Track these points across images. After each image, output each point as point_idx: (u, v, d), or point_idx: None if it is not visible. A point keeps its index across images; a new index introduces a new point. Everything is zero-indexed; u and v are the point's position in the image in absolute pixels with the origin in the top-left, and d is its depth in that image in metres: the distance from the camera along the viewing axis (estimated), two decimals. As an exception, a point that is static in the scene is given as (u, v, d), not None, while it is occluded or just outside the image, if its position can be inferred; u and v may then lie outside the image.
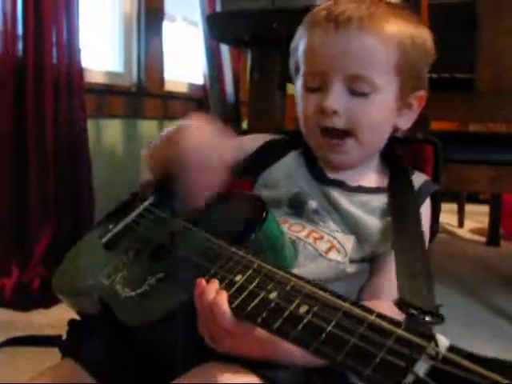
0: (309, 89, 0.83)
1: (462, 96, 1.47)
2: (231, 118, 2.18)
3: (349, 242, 0.78)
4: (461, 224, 3.32)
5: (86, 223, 1.99)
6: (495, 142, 1.66)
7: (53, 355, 0.79)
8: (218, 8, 1.89)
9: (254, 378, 0.60)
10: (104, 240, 0.80)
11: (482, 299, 2.00)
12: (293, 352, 0.60)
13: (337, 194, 0.81)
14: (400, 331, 0.42)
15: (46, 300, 1.69)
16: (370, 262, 0.79)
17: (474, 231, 3.21)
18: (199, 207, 0.72)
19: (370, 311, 0.45)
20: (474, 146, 1.59)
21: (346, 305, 0.46)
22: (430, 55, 0.84)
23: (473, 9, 1.36)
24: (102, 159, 2.23)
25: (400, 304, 0.53)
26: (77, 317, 0.81)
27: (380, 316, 0.44)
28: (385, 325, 0.43)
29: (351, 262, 0.77)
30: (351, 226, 0.79)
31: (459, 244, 2.95)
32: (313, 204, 0.81)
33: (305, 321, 0.46)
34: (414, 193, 0.81)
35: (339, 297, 0.48)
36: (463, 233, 3.20)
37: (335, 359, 0.42)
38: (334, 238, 0.78)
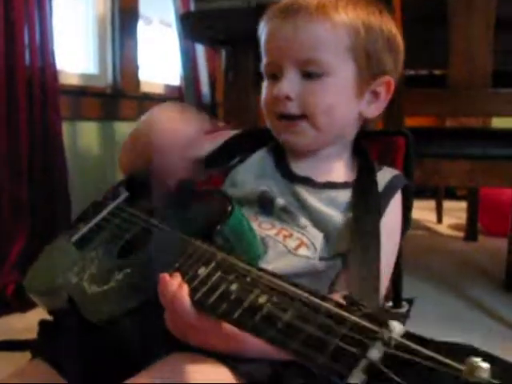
0: (268, 79, 0.86)
1: (435, 91, 1.49)
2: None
3: (318, 237, 0.78)
4: (439, 220, 3.35)
5: (62, 227, 1.96)
6: (470, 137, 1.67)
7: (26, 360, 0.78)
8: (192, 7, 1.88)
9: (221, 367, 0.60)
10: (74, 239, 0.80)
11: (460, 293, 2.01)
12: (256, 344, 0.60)
13: (304, 192, 0.82)
14: (355, 318, 0.42)
15: (22, 305, 1.67)
16: (342, 259, 0.79)
17: (452, 227, 3.25)
18: (170, 195, 0.74)
19: (328, 299, 0.45)
20: (450, 141, 1.61)
21: (304, 294, 0.47)
22: (392, 42, 0.85)
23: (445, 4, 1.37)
24: (77, 162, 2.20)
25: (347, 300, 0.53)
26: (49, 317, 0.80)
27: (338, 304, 0.44)
28: (341, 312, 0.43)
29: (321, 259, 0.77)
30: (319, 223, 0.79)
31: (438, 240, 2.98)
32: (280, 202, 0.81)
33: (263, 311, 0.47)
34: (377, 190, 0.81)
35: (298, 286, 0.48)
36: (442, 229, 3.24)
37: (290, 347, 0.42)
38: (303, 234, 0.78)
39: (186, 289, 0.55)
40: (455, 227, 3.21)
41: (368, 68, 0.83)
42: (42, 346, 0.75)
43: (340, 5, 0.81)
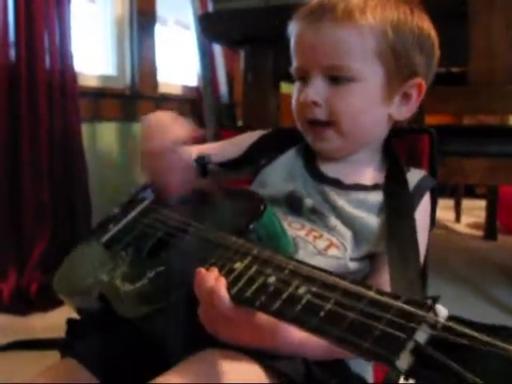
0: (298, 81, 0.84)
1: (455, 89, 1.48)
2: (226, 118, 2.18)
3: (347, 237, 0.78)
4: (458, 219, 3.33)
5: (82, 226, 1.98)
6: (490, 134, 1.66)
7: (54, 358, 0.78)
8: (210, 8, 1.89)
9: (254, 366, 0.60)
10: (104, 239, 0.81)
11: (480, 292, 2.00)
12: (292, 340, 0.60)
13: (333, 193, 0.81)
14: (399, 303, 0.41)
15: (44, 304, 1.69)
16: (371, 260, 0.79)
17: (471, 226, 3.22)
18: (200, 194, 0.74)
19: (369, 287, 0.45)
20: (470, 139, 1.60)
21: (345, 283, 0.46)
22: (423, 41, 0.82)
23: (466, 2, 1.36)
24: (97, 163, 2.22)
25: None
26: (75, 316, 0.81)
27: (379, 292, 0.44)
28: (384, 299, 0.43)
29: (351, 259, 0.77)
30: (348, 224, 0.78)
31: (457, 239, 2.96)
32: (308, 202, 0.80)
33: (303, 301, 0.46)
34: (409, 192, 0.80)
35: (338, 276, 0.48)
36: (460, 228, 3.21)
37: (334, 335, 0.42)
38: (333, 235, 0.78)
39: (223, 282, 0.55)
40: (474, 226, 3.18)
41: (398, 70, 0.80)
42: (72, 344, 0.75)
43: (368, 7, 0.78)
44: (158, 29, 2.75)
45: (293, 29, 0.84)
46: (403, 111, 0.84)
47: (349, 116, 0.80)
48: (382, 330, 0.40)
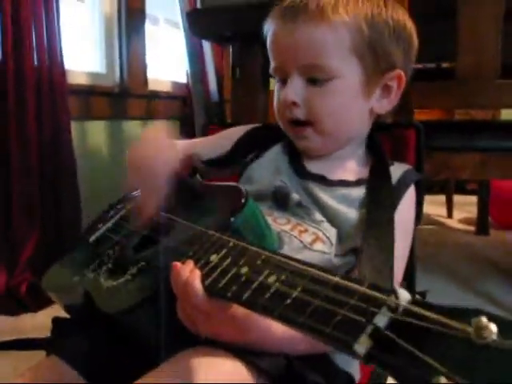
0: (278, 82, 0.84)
1: (444, 84, 1.47)
2: (215, 116, 2.17)
3: (333, 232, 0.77)
4: (450, 215, 3.34)
5: (72, 225, 1.98)
6: (480, 129, 1.66)
7: (41, 358, 0.78)
8: (198, 4, 1.88)
9: (236, 362, 0.59)
10: (92, 238, 0.81)
11: (471, 287, 2.01)
12: (270, 333, 0.60)
13: (317, 189, 0.81)
14: (363, 289, 0.41)
15: (34, 304, 1.68)
16: (355, 255, 0.78)
17: (463, 221, 3.23)
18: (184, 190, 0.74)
19: (336, 274, 0.45)
20: (460, 134, 1.60)
21: (313, 270, 0.46)
22: (400, 32, 0.81)
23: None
24: (86, 161, 2.21)
25: None
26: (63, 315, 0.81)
27: (344, 277, 0.44)
28: (348, 284, 0.43)
29: (336, 255, 0.76)
30: (332, 219, 0.78)
31: (449, 234, 2.97)
32: (295, 197, 0.80)
33: (272, 289, 0.47)
34: (391, 185, 0.80)
35: (307, 264, 0.48)
36: (453, 223, 3.22)
37: (297, 322, 0.42)
38: (319, 229, 0.78)
39: (198, 274, 0.55)
40: (466, 221, 3.19)
41: (375, 64, 0.80)
42: (57, 342, 0.75)
43: (340, 3, 0.77)
44: (149, 27, 2.74)
45: (268, 29, 0.83)
46: (384, 104, 0.84)
47: (328, 116, 0.80)
48: (343, 315, 0.40)
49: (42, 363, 0.73)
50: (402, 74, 0.82)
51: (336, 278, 0.44)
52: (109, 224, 0.83)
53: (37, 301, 1.67)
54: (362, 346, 0.37)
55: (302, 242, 0.75)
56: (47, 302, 1.60)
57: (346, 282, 0.43)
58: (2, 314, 1.68)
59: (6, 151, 1.82)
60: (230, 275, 0.52)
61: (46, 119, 1.93)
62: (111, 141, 2.46)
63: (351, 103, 0.81)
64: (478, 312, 0.35)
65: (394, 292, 0.39)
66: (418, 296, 0.89)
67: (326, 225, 0.78)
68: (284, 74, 0.81)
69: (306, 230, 0.77)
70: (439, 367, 0.33)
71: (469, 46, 1.38)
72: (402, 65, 0.83)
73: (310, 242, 0.75)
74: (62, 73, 1.98)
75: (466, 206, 3.44)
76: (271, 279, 0.48)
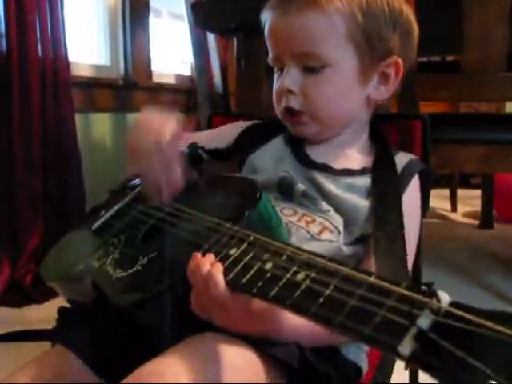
0: (276, 72, 0.84)
1: (449, 77, 1.47)
2: (220, 108, 2.17)
3: (340, 221, 0.77)
4: (454, 208, 3.33)
5: (76, 217, 1.98)
6: (485, 122, 1.65)
7: (47, 349, 0.78)
8: (203, -4, 1.87)
9: (247, 350, 0.59)
10: (95, 226, 0.79)
11: (476, 281, 2.01)
12: (287, 326, 0.60)
13: (321, 178, 0.81)
14: (400, 289, 0.41)
15: (39, 296, 1.69)
16: (364, 244, 0.78)
17: (467, 215, 3.23)
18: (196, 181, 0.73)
19: (370, 274, 0.44)
20: (465, 127, 1.59)
21: (345, 269, 0.45)
22: (396, 18, 0.80)
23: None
24: (91, 153, 2.21)
25: None
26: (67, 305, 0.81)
27: (380, 278, 0.43)
28: (385, 285, 0.42)
29: (344, 244, 0.76)
30: (338, 208, 0.78)
31: (453, 228, 2.96)
32: (300, 187, 0.80)
33: (302, 287, 0.45)
34: (397, 175, 0.80)
35: (337, 262, 0.47)
36: (457, 217, 3.22)
37: (334, 321, 0.41)
38: (326, 219, 0.77)
39: (220, 267, 0.53)
40: (470, 215, 3.19)
41: (371, 51, 0.79)
42: (62, 332, 0.75)
43: None
44: (153, 20, 2.73)
45: (265, 19, 0.83)
46: (382, 91, 0.83)
47: (323, 104, 0.80)
48: (383, 316, 0.39)
49: (47, 353, 0.72)
50: (400, 60, 0.81)
51: (371, 278, 0.43)
52: (112, 211, 0.81)
53: (42, 292, 1.67)
54: (407, 347, 0.36)
55: (309, 232, 0.75)
56: (52, 294, 1.60)
57: (381, 283, 0.42)
58: (7, 305, 1.68)
59: (9, 143, 1.82)
60: (253, 270, 0.50)
61: (50, 111, 1.93)
62: (115, 133, 2.46)
63: (347, 91, 0.81)
64: None
65: (435, 294, 0.39)
66: (424, 286, 0.89)
67: (333, 213, 0.78)
68: (281, 63, 0.81)
69: (313, 221, 0.77)
70: (488, 370, 0.32)
71: (474, 39, 1.38)
72: (400, 51, 0.82)
73: (317, 232, 0.75)
74: (66, 65, 1.98)
75: (470, 200, 3.43)
76: (300, 276, 0.46)
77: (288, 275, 0.47)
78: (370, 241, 0.76)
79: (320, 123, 0.82)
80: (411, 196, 0.80)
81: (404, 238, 0.70)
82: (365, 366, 0.77)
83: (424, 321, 0.37)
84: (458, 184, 3.33)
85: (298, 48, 0.78)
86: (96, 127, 2.35)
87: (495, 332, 0.34)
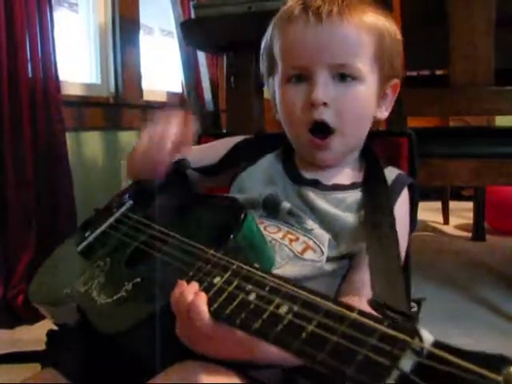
0: (291, 83, 0.82)
1: (437, 91, 1.48)
2: (211, 125, 2.17)
3: (325, 240, 0.77)
4: (446, 221, 3.33)
5: (68, 236, 1.96)
6: (475, 136, 1.67)
7: (37, 371, 0.77)
8: (193, 15, 1.88)
9: (233, 377, 0.59)
10: (80, 248, 0.79)
11: (468, 293, 2.00)
12: (273, 353, 0.59)
13: (312, 195, 0.81)
14: (383, 328, 0.40)
15: (31, 316, 1.67)
16: (349, 259, 0.78)
17: (459, 227, 3.23)
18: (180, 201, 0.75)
19: (352, 309, 0.43)
20: (454, 140, 1.60)
21: (328, 303, 0.45)
22: (400, 45, 0.86)
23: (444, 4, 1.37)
24: (82, 172, 2.21)
25: (373, 305, 0.52)
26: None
27: (362, 313, 0.42)
28: (367, 322, 0.41)
29: (329, 260, 0.76)
30: (327, 224, 0.78)
31: (445, 240, 2.96)
32: (286, 205, 0.80)
33: (285, 321, 0.45)
34: (387, 188, 0.80)
35: (320, 295, 0.46)
36: (449, 230, 3.22)
37: (316, 359, 0.40)
38: (310, 238, 0.77)
39: (204, 297, 0.53)
40: (462, 228, 3.19)
41: (386, 72, 0.83)
42: (52, 354, 0.74)
43: (365, 8, 0.80)
44: (144, 37, 2.74)
45: (283, 30, 0.83)
46: (383, 111, 0.87)
47: (353, 118, 0.81)
48: (365, 355, 0.38)
49: (38, 375, 0.72)
50: (399, 82, 0.86)
51: (353, 314, 0.42)
52: (97, 232, 0.80)
53: (33, 313, 1.65)
54: None
55: (292, 250, 0.75)
56: (43, 316, 1.59)
57: (364, 319, 0.42)
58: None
59: (1, 162, 1.81)
60: (237, 301, 0.50)
61: (41, 131, 1.92)
62: (106, 151, 2.46)
63: (369, 109, 0.83)
64: (503, 359, 0.34)
65: (417, 333, 0.38)
66: (414, 303, 0.89)
67: (318, 232, 0.78)
68: (308, 74, 0.80)
69: (296, 239, 0.77)
70: None
71: (461, 52, 1.39)
72: (399, 74, 0.86)
73: (300, 251, 0.75)
74: (57, 84, 1.98)
75: (462, 212, 3.44)
76: (283, 309, 0.46)
77: (271, 308, 0.47)
78: (358, 255, 0.76)
79: (347, 141, 0.82)
80: (402, 208, 0.81)
81: (399, 251, 0.70)
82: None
83: (406, 362, 0.37)
84: (450, 196, 3.34)
85: (336, 58, 0.78)
86: (87, 146, 2.35)
87: (479, 376, 0.34)
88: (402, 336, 0.39)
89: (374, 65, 0.81)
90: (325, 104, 0.78)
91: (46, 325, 0.82)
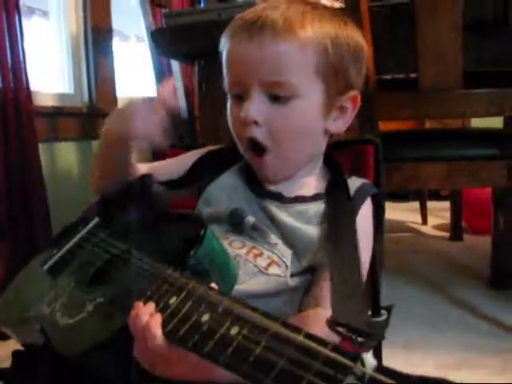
0: (233, 99, 0.82)
1: (407, 95, 1.49)
2: (186, 133, 2.16)
3: (289, 254, 0.77)
4: (424, 221, 3.36)
5: (42, 249, 1.94)
6: (448, 138, 1.68)
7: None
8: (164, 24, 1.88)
9: None
10: (46, 266, 0.78)
11: (446, 293, 2.02)
12: (230, 374, 0.59)
13: (274, 208, 0.81)
14: (327, 352, 0.41)
15: (3, 333, 1.64)
16: (312, 273, 0.78)
17: (437, 227, 3.25)
18: (142, 218, 0.73)
19: (299, 331, 0.44)
20: (427, 144, 1.61)
21: (275, 325, 0.46)
22: (357, 53, 0.81)
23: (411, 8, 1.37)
24: (56, 183, 2.18)
25: (330, 324, 0.52)
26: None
27: (308, 336, 0.43)
28: (312, 346, 0.42)
29: (293, 275, 0.76)
30: (289, 238, 0.78)
31: (423, 241, 2.98)
32: (250, 220, 0.80)
33: (234, 344, 0.46)
34: (350, 198, 0.80)
35: (269, 317, 0.47)
36: (427, 230, 3.24)
37: (263, 383, 0.41)
38: (274, 253, 0.77)
39: (158, 319, 0.53)
40: (440, 227, 3.21)
41: (336, 86, 0.79)
42: (17, 375, 0.73)
43: (306, 20, 0.76)
44: (119, 45, 2.72)
45: (227, 43, 0.81)
46: (339, 124, 0.84)
47: (288, 136, 0.79)
48: (309, 380, 0.39)
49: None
50: (358, 94, 0.82)
51: (300, 337, 0.43)
52: (63, 251, 0.79)
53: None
54: None
55: (256, 266, 0.75)
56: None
57: (309, 343, 0.43)
58: (-29, 343, 1.64)
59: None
60: (190, 323, 0.51)
61: (13, 142, 1.89)
62: (81, 161, 2.43)
63: (311, 124, 0.80)
64: (444, 382, 0.35)
65: (359, 358, 0.39)
66: (383, 311, 0.89)
67: (281, 247, 0.77)
68: (244, 89, 0.78)
69: (261, 254, 0.77)
70: None
71: (429, 56, 1.40)
72: (358, 85, 0.83)
73: (264, 266, 0.75)
74: (28, 95, 1.95)
75: (441, 212, 3.46)
76: (233, 331, 0.47)
77: (222, 330, 0.48)
78: (319, 269, 0.76)
79: (282, 161, 0.80)
80: (365, 218, 0.81)
81: (360, 262, 0.70)
82: None
83: None
84: (429, 196, 3.36)
85: (268, 76, 0.76)
86: (61, 157, 2.32)
87: None
88: (344, 361, 0.39)
89: (317, 79, 0.77)
90: (256, 123, 0.77)
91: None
